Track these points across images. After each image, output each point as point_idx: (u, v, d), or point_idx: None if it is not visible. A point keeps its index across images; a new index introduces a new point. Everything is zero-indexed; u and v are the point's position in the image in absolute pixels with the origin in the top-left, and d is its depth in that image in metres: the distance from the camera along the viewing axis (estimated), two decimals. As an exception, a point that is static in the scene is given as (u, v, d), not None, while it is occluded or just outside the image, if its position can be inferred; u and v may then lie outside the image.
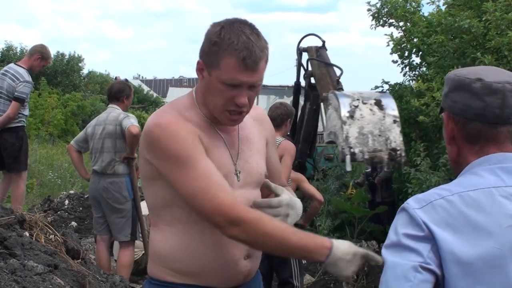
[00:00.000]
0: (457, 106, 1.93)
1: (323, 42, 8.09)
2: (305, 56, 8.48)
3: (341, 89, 6.78)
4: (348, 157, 6.07)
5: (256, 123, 2.77)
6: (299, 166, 9.02)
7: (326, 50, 8.04)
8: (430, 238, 1.75)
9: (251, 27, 2.47)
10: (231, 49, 2.38)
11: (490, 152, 1.91)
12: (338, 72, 7.48)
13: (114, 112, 6.97)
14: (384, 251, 1.80)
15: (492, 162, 1.90)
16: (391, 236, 1.81)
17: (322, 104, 7.67)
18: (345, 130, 6.19)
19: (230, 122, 2.55)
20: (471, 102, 1.89)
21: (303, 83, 8.73)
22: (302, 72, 8.49)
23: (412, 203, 1.84)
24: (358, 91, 6.49)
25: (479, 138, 1.92)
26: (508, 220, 1.78)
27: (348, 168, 6.00)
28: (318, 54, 7.96)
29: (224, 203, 2.36)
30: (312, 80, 8.02)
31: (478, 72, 1.93)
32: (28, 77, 8.12)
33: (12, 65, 8.51)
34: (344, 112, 6.14)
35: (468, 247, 1.74)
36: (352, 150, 6.06)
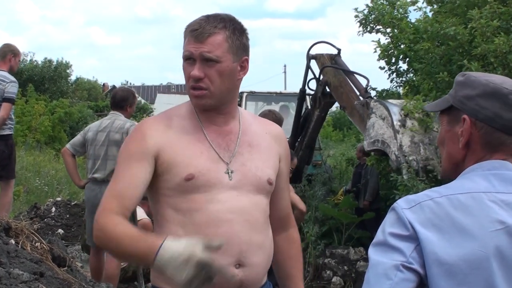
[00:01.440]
0: (484, 112, 1.90)
1: (339, 50, 8.10)
2: (313, 63, 8.52)
3: (370, 97, 6.80)
4: (404, 165, 6.11)
5: (269, 137, 2.82)
6: (295, 174, 9.11)
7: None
8: (414, 237, 1.76)
9: (218, 16, 2.61)
10: (186, 28, 2.57)
11: (489, 158, 1.92)
12: (360, 79, 7.52)
13: (119, 119, 6.86)
14: (370, 249, 1.81)
15: (485, 168, 1.91)
16: (379, 235, 1.82)
17: (345, 111, 7.71)
18: (398, 139, 6.23)
19: (195, 100, 2.62)
20: (502, 112, 1.88)
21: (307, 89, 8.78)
22: (309, 78, 8.54)
23: (401, 203, 1.85)
24: (402, 101, 6.50)
25: (499, 147, 1.92)
26: (495, 225, 1.79)
27: (406, 176, 6.02)
28: (334, 62, 7.97)
29: (102, 209, 2.53)
30: (327, 88, 8.05)
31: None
32: (12, 77, 8.10)
33: None
34: (396, 121, 6.17)
35: (451, 248, 1.75)
36: (407, 158, 6.10)
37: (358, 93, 7.26)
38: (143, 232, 2.41)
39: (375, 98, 6.79)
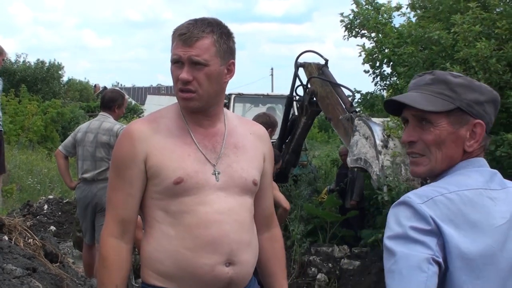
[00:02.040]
0: (487, 118, 1.95)
1: (326, 61, 8.08)
2: (301, 71, 8.51)
3: (355, 111, 6.79)
4: (385, 187, 6.10)
5: (254, 137, 2.83)
6: (281, 174, 9.12)
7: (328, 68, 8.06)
8: (437, 232, 1.76)
9: (206, 20, 2.61)
10: (174, 32, 2.57)
11: (474, 157, 1.97)
12: (346, 91, 7.50)
13: (107, 121, 6.80)
14: (389, 242, 1.77)
15: (478, 165, 1.95)
16: (395, 228, 1.79)
17: (331, 123, 7.70)
18: (380, 160, 6.23)
19: (183, 102, 2.62)
20: (493, 118, 1.96)
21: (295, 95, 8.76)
22: (296, 86, 8.53)
23: (414, 197, 1.83)
24: (386, 119, 6.46)
25: (484, 148, 1.98)
26: (498, 220, 1.84)
27: (386, 197, 6.01)
28: (321, 73, 7.96)
29: (105, 231, 2.67)
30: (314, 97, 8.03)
31: None
32: None
33: None
34: (378, 141, 6.17)
35: (470, 243, 1.77)
36: (388, 178, 6.09)
37: (344, 106, 7.23)
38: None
39: (360, 113, 6.74)
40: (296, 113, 9.36)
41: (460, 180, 1.90)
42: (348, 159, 6.27)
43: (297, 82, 8.68)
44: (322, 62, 8.51)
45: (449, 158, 1.96)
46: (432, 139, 1.95)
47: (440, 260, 1.73)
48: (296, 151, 9.17)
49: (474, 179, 1.90)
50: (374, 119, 6.39)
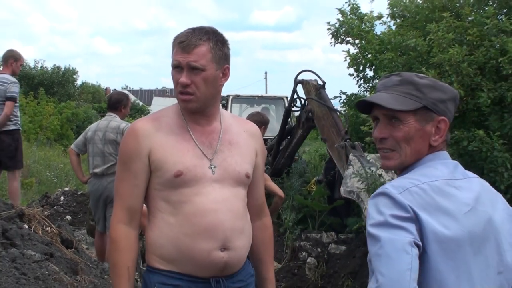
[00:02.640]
0: (449, 114, 1.98)
1: (324, 83, 8.01)
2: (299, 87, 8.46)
3: (349, 139, 6.71)
4: None
5: (246, 134, 2.84)
6: (276, 172, 9.16)
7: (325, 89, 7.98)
8: (414, 219, 1.77)
9: (203, 29, 2.62)
10: (175, 40, 2.58)
11: (438, 151, 1.99)
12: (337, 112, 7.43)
13: (114, 121, 6.85)
14: (372, 229, 1.78)
15: (442, 158, 1.97)
16: (376, 217, 1.79)
17: (325, 143, 7.60)
18: None
19: (183, 103, 2.64)
20: (453, 114, 1.99)
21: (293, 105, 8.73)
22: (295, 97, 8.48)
23: (391, 188, 1.84)
24: (378, 155, 6.33)
25: (446, 142, 2.01)
26: (465, 207, 1.86)
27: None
28: (318, 93, 7.89)
29: (114, 218, 2.67)
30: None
31: None
32: (14, 79, 7.98)
33: None
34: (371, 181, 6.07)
35: (443, 228, 1.79)
36: None
37: (338, 129, 7.11)
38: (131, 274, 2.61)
39: (354, 143, 6.61)
40: (293, 125, 9.38)
41: (429, 172, 1.91)
42: (341, 188, 6.17)
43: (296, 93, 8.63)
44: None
45: (417, 152, 1.98)
46: (402, 136, 1.97)
47: (420, 243, 1.74)
48: (291, 156, 9.28)
49: (441, 170, 1.92)
50: (368, 156, 6.26)
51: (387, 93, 2.01)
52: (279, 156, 9.34)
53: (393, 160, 2.01)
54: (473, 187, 1.94)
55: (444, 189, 1.86)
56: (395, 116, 1.97)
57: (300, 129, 8.45)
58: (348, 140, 6.69)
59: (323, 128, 7.55)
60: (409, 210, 1.77)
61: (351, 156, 6.21)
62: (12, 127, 8.02)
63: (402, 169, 2.01)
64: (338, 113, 7.46)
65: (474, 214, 1.87)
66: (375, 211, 1.81)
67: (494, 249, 1.89)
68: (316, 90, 7.94)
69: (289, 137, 9.16)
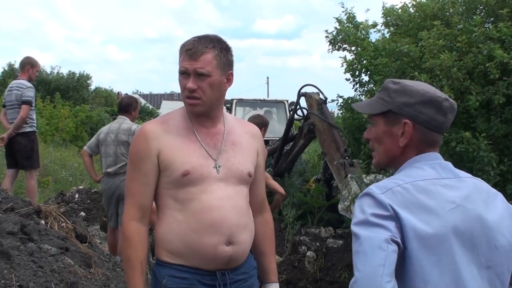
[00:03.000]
0: (422, 117, 1.94)
1: (326, 98, 7.96)
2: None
3: (348, 157, 6.65)
4: None
5: (248, 135, 2.85)
6: (278, 174, 9.18)
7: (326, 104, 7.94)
8: (394, 217, 1.77)
9: (208, 37, 2.62)
10: (182, 47, 2.59)
11: (425, 152, 1.97)
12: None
13: (125, 123, 6.87)
14: (355, 228, 1.79)
15: (429, 159, 1.96)
16: (359, 216, 1.80)
17: (325, 156, 7.54)
18: None
19: (190, 107, 2.65)
20: (436, 117, 1.94)
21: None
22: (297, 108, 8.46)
23: (375, 189, 1.85)
24: (378, 175, 6.24)
25: (432, 143, 1.98)
26: (449, 205, 1.85)
27: None
28: (320, 108, 7.84)
29: (126, 216, 2.66)
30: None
31: (439, 92, 1.98)
32: (29, 84, 8.04)
33: (13, 80, 8.49)
34: None
35: (424, 225, 1.78)
36: None
37: (338, 145, 7.03)
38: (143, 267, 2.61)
39: (353, 161, 6.54)
40: (295, 133, 9.41)
41: (414, 172, 1.92)
42: (340, 206, 6.13)
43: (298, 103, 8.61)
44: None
45: (388, 151, 2.01)
46: (373, 137, 2.04)
47: (399, 240, 1.74)
48: (292, 161, 9.31)
49: (427, 171, 1.92)
50: (365, 178, 6.17)
51: (370, 98, 2.08)
52: (282, 161, 9.39)
53: (374, 159, 2.08)
54: (462, 186, 1.93)
55: (429, 188, 1.86)
56: (371, 119, 2.04)
57: (302, 139, 8.44)
58: (347, 158, 6.63)
59: (323, 142, 7.51)
60: (389, 209, 1.78)
61: (349, 177, 6.14)
62: (28, 129, 8.05)
63: (382, 167, 2.05)
64: (337, 129, 7.39)
65: (460, 211, 1.86)
66: (359, 210, 1.82)
67: (485, 245, 1.88)
68: (318, 105, 7.90)
69: (291, 143, 9.17)
